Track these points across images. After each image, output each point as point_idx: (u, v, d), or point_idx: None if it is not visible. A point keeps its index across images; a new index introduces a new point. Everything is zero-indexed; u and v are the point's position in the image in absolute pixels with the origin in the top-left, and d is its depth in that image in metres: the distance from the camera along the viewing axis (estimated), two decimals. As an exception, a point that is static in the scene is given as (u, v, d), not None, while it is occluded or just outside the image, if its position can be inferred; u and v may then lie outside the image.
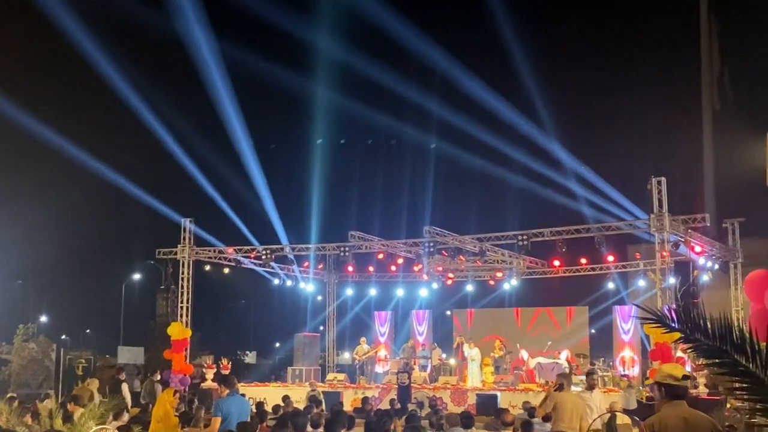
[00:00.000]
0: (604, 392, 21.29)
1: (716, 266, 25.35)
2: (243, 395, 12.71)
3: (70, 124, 35.17)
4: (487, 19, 35.44)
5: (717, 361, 4.44)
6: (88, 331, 50.64)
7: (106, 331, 47.30)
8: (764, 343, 4.40)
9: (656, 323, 4.63)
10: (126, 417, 13.52)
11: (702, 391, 20.46)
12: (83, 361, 28.66)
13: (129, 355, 34.67)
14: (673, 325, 4.57)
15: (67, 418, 12.06)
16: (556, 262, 26.29)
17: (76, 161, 32.52)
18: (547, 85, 37.35)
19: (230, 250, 27.59)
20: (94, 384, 17.75)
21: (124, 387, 19.88)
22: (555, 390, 12.07)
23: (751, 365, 4.27)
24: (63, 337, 42.59)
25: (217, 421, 10.87)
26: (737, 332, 4.37)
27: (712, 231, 25.79)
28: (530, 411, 15.98)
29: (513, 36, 34.97)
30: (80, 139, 32.87)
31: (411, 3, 40.20)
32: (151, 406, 18.03)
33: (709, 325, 4.43)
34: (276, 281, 30.02)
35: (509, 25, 34.68)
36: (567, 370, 24.92)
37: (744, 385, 4.30)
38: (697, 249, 23.10)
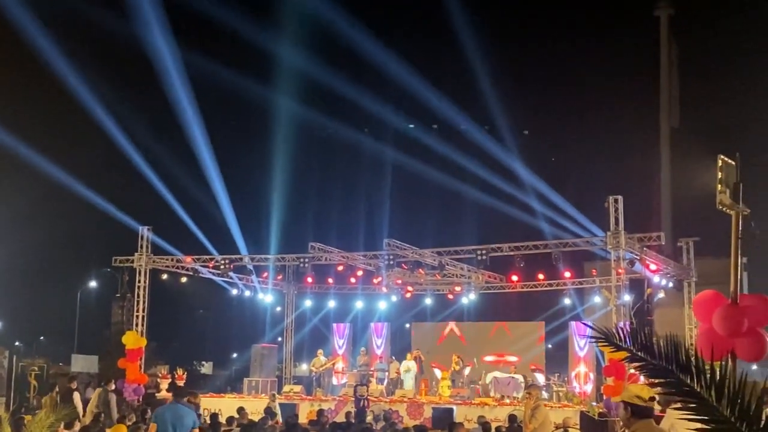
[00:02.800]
0: (559, 407, 21.51)
1: (670, 284, 25.71)
2: (191, 406, 12.31)
3: (27, 128, 34.68)
4: (450, 35, 35.70)
5: (663, 381, 4.51)
6: (42, 338, 49.87)
7: (61, 338, 46.62)
8: (711, 363, 4.48)
9: (605, 342, 4.70)
10: (77, 426, 13.39)
11: (656, 408, 20.70)
12: (36, 369, 28.25)
13: (83, 363, 34.21)
14: (621, 344, 4.65)
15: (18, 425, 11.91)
16: (514, 277, 26.48)
17: (31, 165, 32.07)
18: (507, 102, 37.80)
19: (188, 259, 27.37)
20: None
21: (76, 396, 19.56)
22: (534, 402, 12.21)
23: (695, 385, 4.34)
24: (16, 343, 41.94)
25: (153, 428, 11.17)
26: (683, 352, 4.44)
27: (667, 250, 26.17)
28: (485, 425, 16.06)
29: (475, 53, 35.37)
30: (37, 143, 32.41)
31: (374, 16, 40.38)
32: (103, 415, 17.82)
33: (655, 345, 4.51)
34: (234, 291, 29.85)
35: (472, 42, 35.06)
36: (523, 384, 25.14)
37: (689, 405, 4.37)
38: (652, 267, 23.41)
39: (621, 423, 5.77)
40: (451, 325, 31.00)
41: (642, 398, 5.63)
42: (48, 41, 29.03)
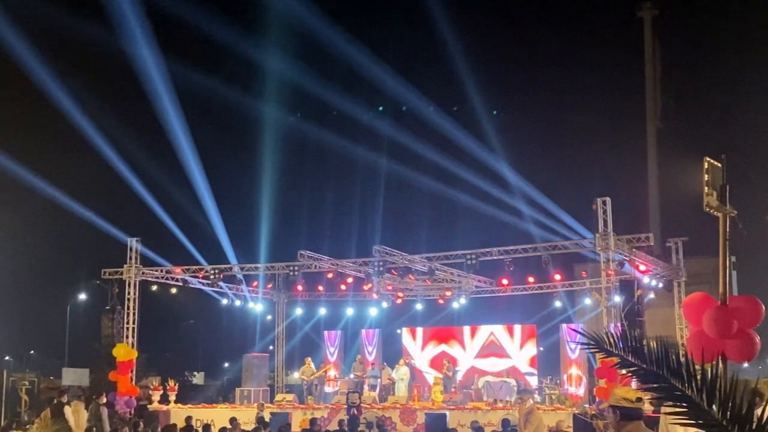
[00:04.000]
0: (552, 410, 21.51)
1: (660, 285, 25.74)
2: None
3: (14, 142, 34.55)
4: (437, 41, 35.78)
5: (654, 385, 4.50)
6: (32, 352, 49.65)
7: (51, 352, 46.44)
8: (701, 365, 4.48)
9: (594, 348, 4.69)
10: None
11: (648, 408, 20.71)
12: (27, 383, 28.10)
13: (74, 376, 34.01)
14: (611, 349, 4.63)
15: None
16: (504, 281, 26.49)
17: (19, 179, 31.94)
18: (495, 107, 37.90)
19: (178, 269, 27.30)
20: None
21: (67, 410, 19.46)
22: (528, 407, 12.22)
23: (686, 390, 4.33)
24: (6, 358, 41.75)
25: None
26: (674, 356, 4.43)
27: (656, 250, 26.23)
28: (478, 430, 16.07)
29: (463, 58, 35.45)
30: (25, 157, 32.31)
31: (362, 25, 40.43)
32: (95, 429, 17.73)
33: (645, 349, 4.49)
34: (224, 301, 29.78)
35: (459, 48, 35.15)
36: (516, 388, 25.15)
37: (681, 409, 4.36)
38: (642, 268, 23.44)
39: (611, 429, 5.71)
40: (442, 329, 31.00)
41: (629, 400, 5.56)
42: (35, 57, 28.95)
